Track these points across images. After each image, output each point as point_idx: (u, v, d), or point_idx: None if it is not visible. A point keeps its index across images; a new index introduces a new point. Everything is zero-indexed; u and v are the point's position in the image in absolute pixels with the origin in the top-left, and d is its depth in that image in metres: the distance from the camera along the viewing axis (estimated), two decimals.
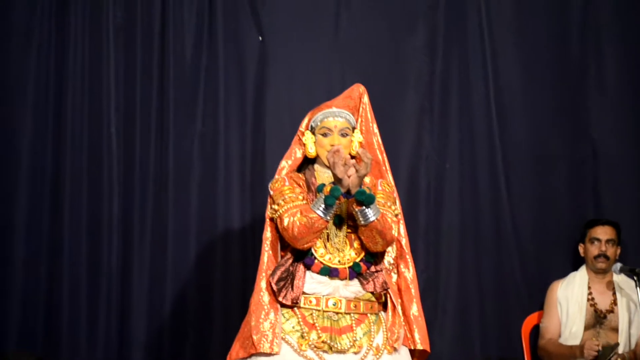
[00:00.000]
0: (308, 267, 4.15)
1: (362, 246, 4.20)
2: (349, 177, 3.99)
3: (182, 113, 5.67)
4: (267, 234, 4.23)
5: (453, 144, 5.82)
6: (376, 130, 4.39)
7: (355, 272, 4.17)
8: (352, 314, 4.15)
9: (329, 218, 4.03)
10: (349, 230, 4.19)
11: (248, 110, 5.70)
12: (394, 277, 4.33)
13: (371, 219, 4.05)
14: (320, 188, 4.10)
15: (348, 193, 4.04)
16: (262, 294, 4.15)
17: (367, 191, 4.06)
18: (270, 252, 4.21)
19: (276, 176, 4.28)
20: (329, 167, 4.06)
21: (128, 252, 5.58)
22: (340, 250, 4.16)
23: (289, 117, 5.58)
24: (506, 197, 5.81)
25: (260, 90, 5.70)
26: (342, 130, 4.21)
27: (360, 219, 4.06)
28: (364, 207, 4.05)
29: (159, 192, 5.62)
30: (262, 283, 4.16)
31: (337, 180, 4.02)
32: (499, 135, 5.82)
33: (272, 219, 4.21)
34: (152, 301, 5.57)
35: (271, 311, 4.09)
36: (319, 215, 4.01)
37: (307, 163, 4.33)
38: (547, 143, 5.90)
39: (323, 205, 4.01)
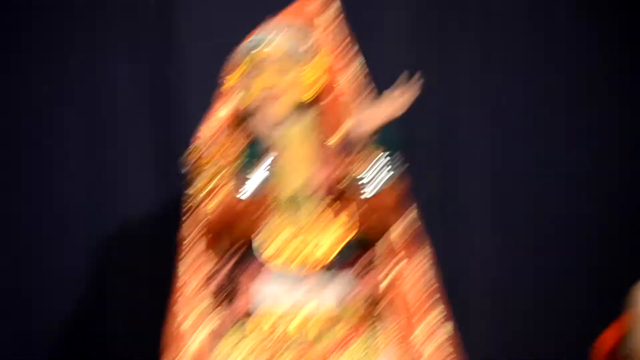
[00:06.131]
0: (258, 269, 3.52)
1: (341, 233, 3.51)
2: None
3: None
4: (186, 233, 3.74)
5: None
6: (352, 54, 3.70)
7: (330, 273, 3.50)
8: (324, 338, 3.51)
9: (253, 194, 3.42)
10: (326, 207, 3.51)
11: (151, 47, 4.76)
12: (385, 280, 3.66)
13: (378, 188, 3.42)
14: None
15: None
16: (179, 320, 3.71)
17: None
18: (190, 259, 3.71)
19: (192, 146, 3.67)
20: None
21: None
22: (306, 242, 3.50)
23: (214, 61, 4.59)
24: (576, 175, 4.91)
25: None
26: (277, 63, 3.53)
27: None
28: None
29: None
30: (178, 306, 3.73)
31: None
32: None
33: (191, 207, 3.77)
34: None
35: (194, 343, 3.65)
36: (245, 188, 3.44)
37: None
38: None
39: (253, 174, 3.46)
